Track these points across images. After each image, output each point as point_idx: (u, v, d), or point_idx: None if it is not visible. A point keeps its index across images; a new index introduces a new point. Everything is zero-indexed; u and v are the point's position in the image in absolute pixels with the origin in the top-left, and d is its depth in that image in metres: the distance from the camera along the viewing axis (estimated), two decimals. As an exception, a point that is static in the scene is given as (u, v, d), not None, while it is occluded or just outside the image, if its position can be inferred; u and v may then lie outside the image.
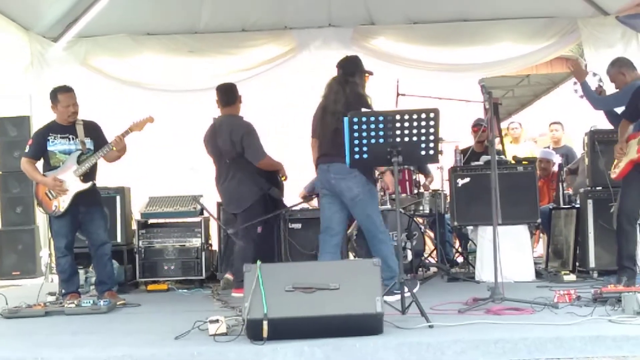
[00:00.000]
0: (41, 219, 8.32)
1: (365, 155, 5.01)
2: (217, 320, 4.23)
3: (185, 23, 9.35)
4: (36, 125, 7.53)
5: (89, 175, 6.28)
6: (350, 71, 5.94)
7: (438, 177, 7.94)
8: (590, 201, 6.85)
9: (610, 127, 6.63)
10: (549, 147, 9.51)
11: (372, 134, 4.92)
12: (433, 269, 7.95)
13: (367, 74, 6.06)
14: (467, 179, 6.98)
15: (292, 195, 9.75)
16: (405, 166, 7.27)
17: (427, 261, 8.06)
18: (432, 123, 4.93)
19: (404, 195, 7.44)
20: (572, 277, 6.60)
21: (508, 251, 6.23)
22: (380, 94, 8.73)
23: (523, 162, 7.09)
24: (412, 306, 4.67)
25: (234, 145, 6.58)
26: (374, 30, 9.53)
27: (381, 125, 4.91)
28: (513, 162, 7.16)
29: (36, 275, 8.37)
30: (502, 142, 7.75)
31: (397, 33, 9.53)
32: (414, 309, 4.61)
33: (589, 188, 6.94)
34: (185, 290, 7.32)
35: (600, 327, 4.13)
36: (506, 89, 15.33)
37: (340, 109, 5.62)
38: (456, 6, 9.19)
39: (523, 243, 6.92)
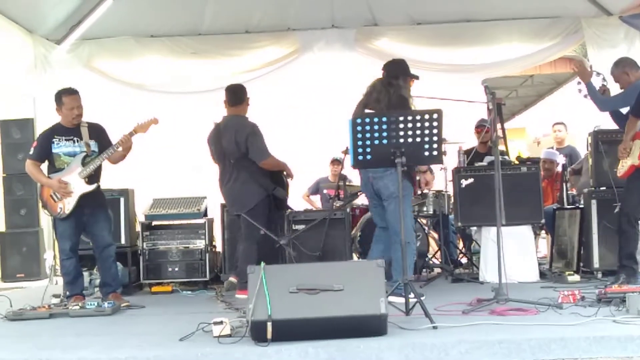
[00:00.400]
0: (45, 221, 8.34)
1: (369, 157, 5.01)
2: (221, 322, 4.23)
3: (188, 25, 9.37)
4: (40, 128, 7.55)
5: (93, 177, 6.29)
6: (395, 74, 5.93)
7: (442, 178, 7.93)
8: (594, 201, 6.86)
9: (614, 127, 6.62)
10: (552, 148, 9.49)
11: (376, 135, 4.92)
12: (437, 270, 7.96)
13: (412, 78, 6.04)
14: (470, 180, 6.98)
15: (294, 196, 9.78)
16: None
17: (431, 262, 8.06)
18: (435, 124, 4.92)
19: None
20: (576, 277, 6.60)
21: (512, 252, 6.23)
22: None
23: (526, 163, 7.09)
24: (416, 307, 4.67)
25: (238, 146, 6.58)
26: (377, 31, 9.53)
27: (385, 127, 4.91)
28: (516, 162, 7.16)
29: (40, 277, 8.38)
30: (505, 143, 7.73)
31: (400, 34, 9.53)
32: (418, 310, 4.61)
33: (593, 188, 6.94)
34: (189, 292, 7.33)
35: (604, 327, 4.12)
36: (510, 90, 15.32)
37: (382, 108, 5.65)
38: (459, 7, 9.19)
39: (527, 244, 6.92)
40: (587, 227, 6.93)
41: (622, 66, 6.25)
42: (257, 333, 3.98)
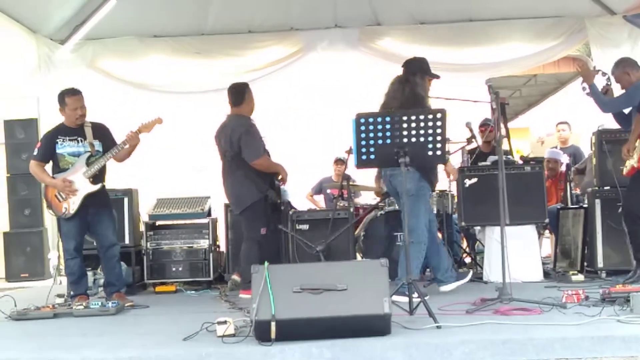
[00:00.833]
0: (49, 221, 8.37)
1: (372, 156, 5.01)
2: (225, 322, 4.24)
3: (191, 25, 9.37)
4: (44, 128, 7.55)
5: (98, 177, 6.30)
6: (412, 71, 5.96)
7: (445, 178, 7.92)
8: (598, 201, 6.85)
9: (618, 126, 6.62)
10: (556, 147, 9.48)
11: (380, 134, 4.93)
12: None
13: (430, 78, 6.03)
14: (474, 180, 6.97)
15: (298, 197, 9.79)
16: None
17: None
18: (439, 124, 4.92)
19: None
20: (580, 277, 6.59)
21: (516, 251, 6.22)
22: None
23: (530, 162, 7.09)
24: (420, 306, 4.67)
25: (232, 145, 6.59)
26: (380, 30, 9.53)
27: (388, 126, 4.91)
28: (520, 162, 7.16)
29: (44, 277, 8.41)
30: (509, 142, 7.73)
31: (403, 34, 9.52)
32: (422, 310, 4.61)
33: (597, 188, 6.93)
34: (193, 292, 7.34)
35: (608, 327, 4.12)
36: (513, 89, 15.29)
37: (396, 105, 5.67)
38: (462, 6, 9.17)
39: (531, 243, 6.92)
40: (591, 226, 6.92)
41: (622, 66, 6.25)
42: (261, 333, 3.99)
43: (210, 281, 7.64)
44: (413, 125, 4.91)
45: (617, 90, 6.41)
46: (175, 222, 7.86)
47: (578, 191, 8.03)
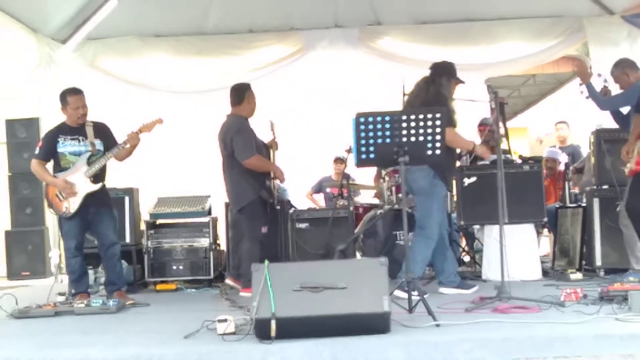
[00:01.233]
0: (51, 219, 8.38)
1: (372, 155, 5.03)
2: (225, 320, 4.26)
3: (192, 24, 9.39)
4: (45, 127, 7.58)
5: (99, 176, 6.33)
6: (440, 72, 6.06)
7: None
8: (596, 200, 6.87)
9: (616, 126, 6.64)
10: (555, 146, 9.50)
11: (379, 134, 4.95)
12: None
13: (456, 82, 6.13)
14: (473, 179, 6.99)
15: (299, 196, 9.81)
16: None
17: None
18: (438, 123, 4.95)
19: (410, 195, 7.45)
20: (579, 275, 6.62)
21: (515, 250, 6.26)
22: (386, 94, 8.79)
23: (529, 161, 7.11)
24: (420, 304, 4.69)
25: (226, 145, 6.61)
26: (380, 30, 9.55)
27: (388, 126, 4.94)
28: (519, 161, 7.18)
29: (46, 275, 8.42)
30: (508, 141, 7.75)
31: (403, 33, 9.54)
32: (421, 308, 4.63)
33: (595, 187, 6.95)
34: (193, 290, 7.37)
35: (607, 325, 4.15)
36: (512, 89, 15.29)
37: (418, 103, 5.74)
38: (462, 6, 9.20)
39: (529, 242, 6.94)
40: (589, 225, 6.95)
41: (621, 67, 6.27)
42: (261, 331, 4.00)
43: (211, 279, 7.67)
44: (412, 124, 4.93)
45: (616, 92, 6.42)
46: (175, 220, 7.88)
47: (576, 190, 8.05)
